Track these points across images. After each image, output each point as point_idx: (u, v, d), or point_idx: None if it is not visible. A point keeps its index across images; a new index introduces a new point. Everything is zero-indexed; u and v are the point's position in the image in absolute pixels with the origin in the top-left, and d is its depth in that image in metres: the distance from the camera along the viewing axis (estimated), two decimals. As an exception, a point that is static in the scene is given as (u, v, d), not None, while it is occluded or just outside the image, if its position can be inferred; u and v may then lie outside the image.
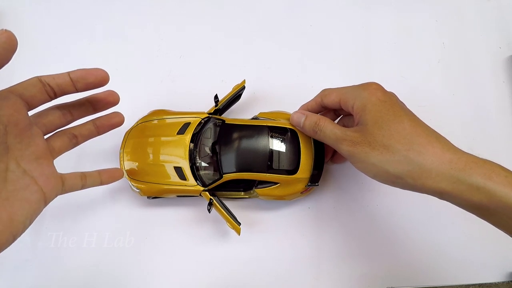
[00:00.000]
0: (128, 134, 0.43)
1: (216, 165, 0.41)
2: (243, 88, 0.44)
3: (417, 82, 0.51)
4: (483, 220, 0.31)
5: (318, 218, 0.45)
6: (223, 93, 0.44)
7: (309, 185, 0.41)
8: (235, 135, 0.41)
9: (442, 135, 0.33)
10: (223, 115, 0.46)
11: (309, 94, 0.41)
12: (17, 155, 0.28)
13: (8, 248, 0.44)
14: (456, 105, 0.51)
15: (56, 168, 0.32)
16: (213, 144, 0.42)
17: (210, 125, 0.43)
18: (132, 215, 0.45)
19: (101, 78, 0.31)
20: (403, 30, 0.54)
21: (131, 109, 0.46)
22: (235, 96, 0.44)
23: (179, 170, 0.41)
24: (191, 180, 0.41)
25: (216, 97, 0.44)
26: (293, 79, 0.51)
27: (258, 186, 0.42)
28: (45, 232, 0.44)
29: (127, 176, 0.41)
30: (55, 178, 0.31)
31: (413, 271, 0.44)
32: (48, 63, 0.50)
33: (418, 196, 0.34)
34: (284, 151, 0.41)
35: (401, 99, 0.36)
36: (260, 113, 0.45)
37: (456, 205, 0.31)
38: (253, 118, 0.44)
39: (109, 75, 0.31)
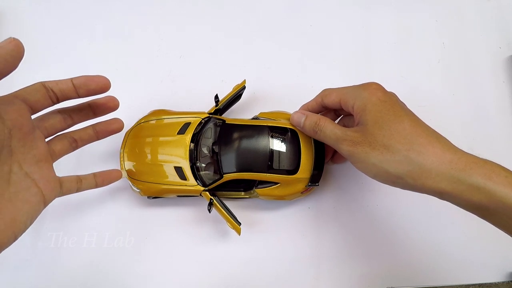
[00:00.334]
0: (128, 134, 0.43)
1: (217, 165, 0.41)
2: (244, 88, 0.44)
3: (417, 82, 0.51)
4: (483, 220, 0.31)
5: (318, 218, 0.45)
6: (223, 93, 0.44)
7: (309, 185, 0.41)
8: (236, 135, 0.41)
9: (442, 135, 0.33)
10: (223, 115, 0.46)
11: (309, 94, 0.41)
12: (20, 158, 0.29)
13: (8, 248, 0.44)
14: (456, 105, 0.51)
15: (56, 168, 0.33)
16: (214, 144, 0.42)
17: (211, 125, 0.43)
18: (132, 215, 0.45)
19: (103, 85, 0.32)
20: (403, 30, 0.54)
21: (131, 109, 0.46)
22: (236, 96, 0.44)
23: (179, 170, 0.41)
24: (191, 180, 0.41)
25: (216, 97, 0.44)
26: (293, 79, 0.51)
27: (258, 186, 0.42)
28: (45, 232, 0.44)
29: (127, 176, 0.41)
30: (54, 181, 0.32)
31: (413, 271, 0.44)
32: (48, 63, 0.50)
33: (418, 196, 0.34)
34: (285, 151, 0.41)
35: (401, 99, 0.36)
36: (260, 113, 0.45)
37: (456, 205, 0.31)
38: (253, 118, 0.44)
39: (111, 82, 0.32)
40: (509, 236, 0.31)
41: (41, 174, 0.30)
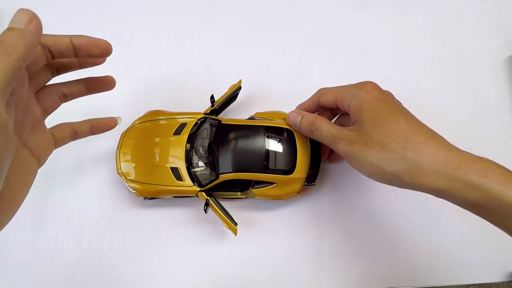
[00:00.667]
0: (124, 135, 0.43)
1: (213, 166, 0.41)
2: (239, 88, 0.44)
3: (417, 82, 0.51)
4: (483, 220, 0.31)
5: (317, 218, 0.45)
6: (223, 93, 0.44)
7: (305, 185, 0.41)
8: (232, 135, 0.41)
9: (442, 134, 0.33)
10: (219, 115, 0.46)
11: (309, 94, 0.41)
12: (20, 127, 0.27)
13: (8, 248, 0.44)
14: (456, 105, 0.51)
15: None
16: (210, 145, 0.42)
17: (207, 125, 0.43)
18: (132, 215, 0.45)
19: (105, 51, 0.30)
20: (403, 30, 0.54)
21: (131, 109, 0.46)
22: (232, 96, 0.45)
23: (175, 171, 0.41)
24: (187, 180, 0.41)
25: (212, 97, 0.44)
26: (293, 79, 0.51)
27: (255, 186, 0.42)
28: (45, 232, 0.44)
29: (123, 177, 0.41)
30: (49, 143, 0.31)
31: (413, 271, 0.44)
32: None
33: (418, 196, 0.34)
34: (281, 151, 0.41)
35: (401, 99, 0.36)
36: (256, 113, 0.45)
37: (453, 203, 0.31)
38: (249, 118, 0.44)
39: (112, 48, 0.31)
40: (508, 236, 0.31)
41: (36, 142, 0.29)
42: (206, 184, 0.41)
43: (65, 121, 0.35)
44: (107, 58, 0.51)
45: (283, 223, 0.45)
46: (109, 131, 0.39)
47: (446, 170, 0.30)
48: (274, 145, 0.41)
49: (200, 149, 0.42)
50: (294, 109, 0.42)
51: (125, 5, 0.54)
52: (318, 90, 0.40)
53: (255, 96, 0.49)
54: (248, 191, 0.42)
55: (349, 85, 0.37)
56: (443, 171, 0.30)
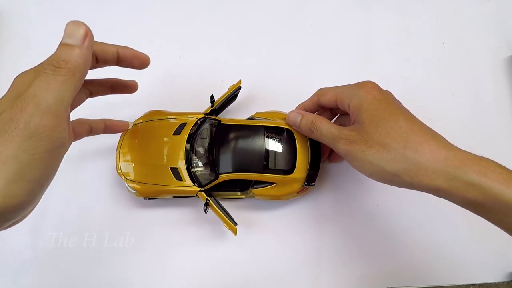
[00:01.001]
0: (124, 135, 0.43)
1: (212, 166, 0.41)
2: (239, 88, 0.44)
3: (417, 82, 0.51)
4: (483, 220, 0.31)
5: (317, 218, 0.45)
6: (223, 93, 0.44)
7: (305, 185, 0.41)
8: (231, 135, 0.41)
9: (442, 134, 0.33)
10: (219, 115, 0.46)
11: (309, 94, 0.41)
12: None
13: (8, 248, 0.44)
14: (456, 105, 0.51)
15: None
16: (209, 145, 0.42)
17: (206, 125, 0.43)
18: (132, 215, 0.45)
19: (144, 64, 0.33)
20: (403, 30, 0.54)
21: (131, 109, 0.46)
22: (231, 96, 0.45)
23: (175, 171, 0.41)
24: (187, 180, 0.41)
25: (212, 97, 0.44)
26: (293, 79, 0.51)
27: (255, 186, 0.42)
28: (45, 232, 0.44)
29: (123, 177, 0.41)
30: (70, 138, 0.32)
31: (413, 271, 0.44)
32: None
33: (418, 196, 0.34)
34: (280, 151, 0.41)
35: (401, 99, 0.36)
36: (256, 113, 0.45)
37: (453, 202, 0.31)
38: (249, 118, 0.44)
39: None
40: (508, 236, 0.31)
41: None
42: (206, 184, 0.41)
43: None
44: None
45: (283, 223, 0.45)
46: None
47: (446, 169, 0.30)
48: (274, 145, 0.41)
49: (200, 149, 0.42)
50: (294, 109, 0.42)
51: (125, 5, 0.54)
52: (318, 90, 0.40)
53: (255, 96, 0.49)
54: (248, 191, 0.42)
55: (349, 85, 0.37)
56: (443, 171, 0.30)
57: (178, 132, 0.42)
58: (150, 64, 0.52)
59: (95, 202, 0.45)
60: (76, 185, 0.45)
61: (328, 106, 0.40)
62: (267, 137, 0.41)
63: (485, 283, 0.43)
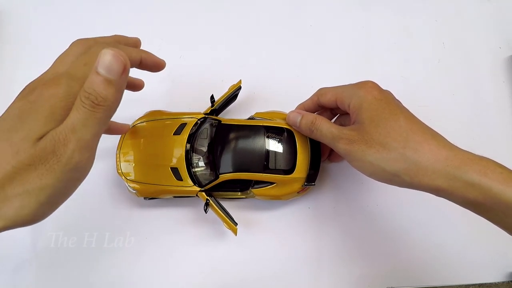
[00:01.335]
0: (124, 135, 0.43)
1: (213, 166, 0.41)
2: (239, 88, 0.44)
3: (417, 82, 0.51)
4: (483, 220, 0.31)
5: (317, 218, 0.45)
6: (223, 93, 0.44)
7: (305, 185, 0.41)
8: (231, 135, 0.41)
9: (442, 134, 0.33)
10: (219, 115, 0.46)
11: (309, 94, 0.41)
12: None
13: (8, 248, 0.44)
14: (456, 105, 0.51)
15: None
16: (210, 145, 0.42)
17: (206, 125, 0.43)
18: (132, 215, 0.45)
19: (161, 69, 0.34)
20: (403, 30, 0.54)
21: (131, 109, 0.46)
22: (231, 96, 0.45)
23: (175, 171, 0.41)
24: (187, 180, 0.41)
25: (212, 97, 0.44)
26: (293, 79, 0.51)
27: (255, 186, 0.42)
28: (45, 232, 0.44)
29: (123, 177, 0.41)
30: None
31: (413, 271, 0.44)
32: (48, 63, 0.50)
33: (418, 196, 0.34)
34: (281, 151, 0.41)
35: (401, 99, 0.36)
36: (256, 113, 0.45)
37: (453, 202, 0.32)
38: (249, 118, 0.44)
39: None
40: (508, 236, 0.31)
41: None
42: (206, 184, 0.41)
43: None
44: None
45: (283, 223, 0.45)
46: None
47: (446, 169, 0.30)
48: (274, 145, 0.41)
49: (200, 149, 0.42)
50: (294, 109, 0.42)
51: (125, 5, 0.54)
52: (318, 90, 0.40)
53: (255, 96, 0.49)
54: (248, 191, 0.42)
55: (348, 84, 0.37)
56: (443, 170, 0.30)
57: (178, 132, 0.42)
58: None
59: (95, 202, 0.45)
60: (76, 185, 0.45)
61: (328, 106, 0.40)
62: (267, 137, 0.41)
63: (485, 283, 0.43)
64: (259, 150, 0.41)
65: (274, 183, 0.41)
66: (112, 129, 0.40)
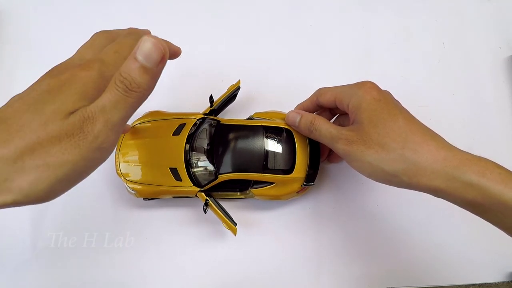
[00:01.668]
0: (123, 135, 0.43)
1: (212, 166, 0.41)
2: (238, 88, 0.44)
3: (417, 82, 0.51)
4: (482, 220, 0.31)
5: (317, 218, 0.45)
6: (222, 94, 0.44)
7: (304, 185, 0.41)
8: (231, 135, 0.41)
9: (441, 134, 0.33)
10: (218, 116, 0.46)
11: (309, 94, 0.42)
12: None
13: (8, 248, 0.44)
14: (456, 105, 0.51)
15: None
16: (209, 145, 0.42)
17: (205, 125, 0.43)
18: (132, 215, 0.45)
19: (176, 57, 0.33)
20: (403, 30, 0.54)
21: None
22: (231, 97, 0.44)
23: (174, 171, 0.41)
24: (186, 181, 0.41)
25: (211, 97, 0.44)
26: (293, 79, 0.51)
27: (254, 186, 0.42)
28: (45, 232, 0.44)
29: (122, 178, 0.41)
30: None
31: (413, 271, 0.44)
32: (48, 63, 0.50)
33: (418, 196, 0.34)
34: (280, 151, 0.41)
35: (401, 99, 0.36)
36: (255, 113, 0.45)
37: (451, 202, 0.32)
38: (248, 118, 0.44)
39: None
40: (508, 236, 0.31)
41: None
42: (206, 185, 0.41)
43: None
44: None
45: (283, 223, 0.45)
46: None
47: (444, 170, 0.30)
48: (273, 145, 0.41)
49: (199, 149, 0.42)
50: (293, 109, 0.42)
51: (125, 5, 0.54)
52: (317, 90, 0.40)
53: (254, 96, 0.49)
54: (248, 191, 0.42)
55: (348, 85, 0.37)
56: (441, 171, 0.30)
57: (177, 132, 0.42)
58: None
59: (95, 202, 0.45)
60: (76, 186, 0.45)
61: (327, 106, 0.40)
62: (267, 137, 0.41)
63: (485, 283, 0.43)
64: (258, 150, 0.41)
65: (273, 183, 0.41)
66: None
